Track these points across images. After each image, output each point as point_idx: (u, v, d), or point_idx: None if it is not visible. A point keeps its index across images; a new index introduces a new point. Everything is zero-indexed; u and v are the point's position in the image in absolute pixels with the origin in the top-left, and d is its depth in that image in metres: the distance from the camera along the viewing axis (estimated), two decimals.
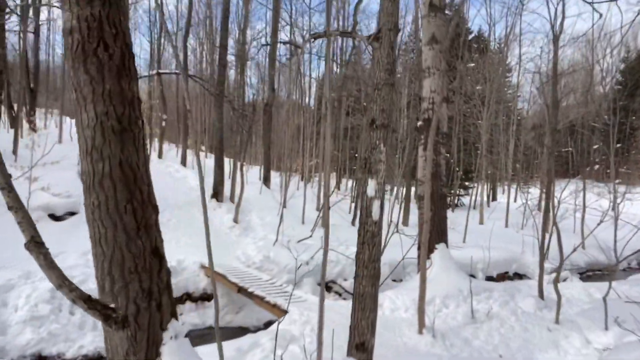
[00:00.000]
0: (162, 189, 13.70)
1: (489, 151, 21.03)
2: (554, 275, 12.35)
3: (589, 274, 13.15)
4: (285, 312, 6.72)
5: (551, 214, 11.64)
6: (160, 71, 14.58)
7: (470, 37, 34.19)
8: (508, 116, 33.19)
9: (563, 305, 7.27)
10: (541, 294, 7.14)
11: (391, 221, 10.12)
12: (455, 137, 20.78)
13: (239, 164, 13.48)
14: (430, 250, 7.49)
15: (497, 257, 11.76)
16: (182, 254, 9.59)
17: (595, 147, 44.09)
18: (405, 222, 15.73)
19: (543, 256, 7.13)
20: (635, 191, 14.89)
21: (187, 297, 8.86)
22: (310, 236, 11.38)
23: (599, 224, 12.21)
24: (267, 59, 17.07)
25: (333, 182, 23.31)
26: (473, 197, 21.25)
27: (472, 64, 27.00)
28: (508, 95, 32.59)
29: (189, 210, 12.59)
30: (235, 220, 12.45)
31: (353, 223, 14.68)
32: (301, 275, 9.90)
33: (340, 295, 10.23)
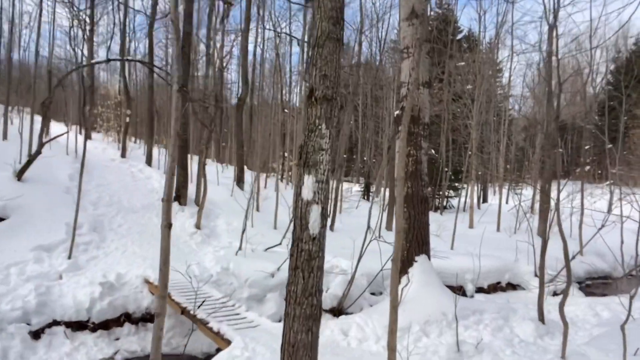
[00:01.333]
0: (117, 190, 12.36)
1: (480, 150, 19.90)
2: (552, 287, 11.23)
3: (588, 282, 12.01)
4: (229, 342, 5.44)
5: (554, 215, 10.49)
6: (111, 58, 13.22)
7: (459, 36, 33.31)
8: (499, 115, 32.29)
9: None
10: (541, 317, 5.92)
11: (369, 227, 8.86)
12: (443, 135, 19.64)
13: (204, 164, 12.16)
14: (409, 263, 6.25)
15: (489, 266, 10.56)
16: (125, 266, 8.26)
17: (587, 147, 43.44)
18: (390, 227, 14.52)
19: (543, 273, 5.90)
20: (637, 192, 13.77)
21: (126, 318, 7.52)
22: (280, 243, 10.08)
23: (600, 229, 11.11)
24: (240, 49, 15.77)
25: None
26: (463, 199, 20.12)
27: (462, 63, 26.06)
28: (499, 96, 31.73)
29: (145, 214, 11.26)
30: (198, 226, 11.13)
31: (331, 228, 13.43)
32: (264, 290, 8.62)
33: None
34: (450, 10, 29.14)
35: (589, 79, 24.54)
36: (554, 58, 13.00)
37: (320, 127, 2.80)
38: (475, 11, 46.20)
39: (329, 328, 5.77)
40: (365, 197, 22.42)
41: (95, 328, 7.26)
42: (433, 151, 22.40)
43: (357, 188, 24.24)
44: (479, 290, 10.43)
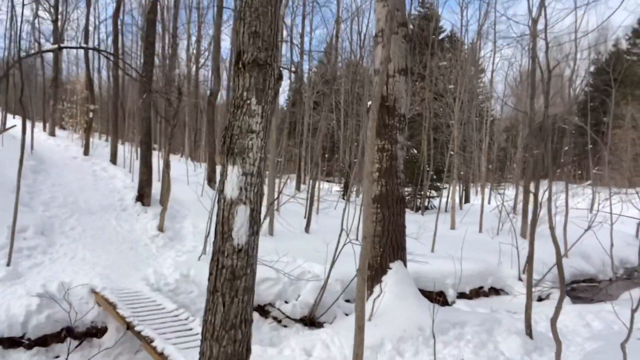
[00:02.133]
0: (74, 190, 11.44)
1: (462, 149, 19.43)
2: (536, 292, 10.70)
3: (574, 285, 11.54)
4: None
5: (538, 216, 9.95)
6: (62, 45, 12.29)
7: (441, 36, 32.98)
8: (481, 115, 32.05)
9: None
10: (529, 330, 5.30)
11: (342, 228, 8.18)
12: (425, 132, 19.11)
13: (180, 161, 11.32)
14: (382, 271, 5.58)
15: (471, 269, 9.99)
16: (71, 274, 7.42)
17: (566, 148, 43.69)
18: None
19: (531, 283, 5.29)
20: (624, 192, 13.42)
21: (68, 333, 6.68)
22: None
23: (587, 229, 10.64)
24: (212, 43, 14.95)
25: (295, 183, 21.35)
26: (444, 199, 19.60)
27: (444, 62, 25.74)
28: (481, 96, 31.52)
29: (103, 216, 10.39)
30: (160, 228, 10.30)
31: (307, 230, 12.72)
32: None
33: (279, 322, 8.21)
34: (433, 9, 28.74)
35: (576, 71, 24.30)
36: (543, 42, 12.48)
37: (249, 101, 2.09)
38: (457, 4, 45.91)
39: (289, 347, 5.07)
40: (345, 197, 21.80)
41: (31, 345, 6.41)
42: (415, 150, 21.91)
43: (337, 188, 23.59)
44: (461, 295, 9.85)
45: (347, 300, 8.78)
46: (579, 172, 42.67)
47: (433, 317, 4.64)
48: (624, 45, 42.64)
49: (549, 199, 4.64)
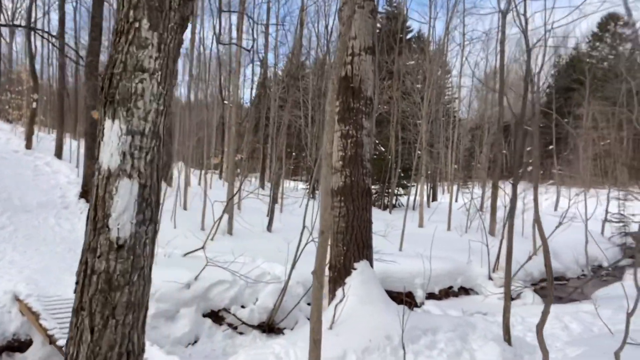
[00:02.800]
0: (9, 186, 10.32)
1: (430, 144, 19.15)
2: (503, 289, 10.35)
3: (543, 284, 11.28)
4: None
5: (508, 213, 9.62)
6: None
7: (409, 35, 32.91)
8: (448, 115, 32.13)
9: (535, 347, 4.99)
10: (507, 336, 4.79)
11: (304, 226, 7.53)
12: (393, 129, 18.71)
13: None
14: (346, 272, 4.94)
15: (440, 269, 9.53)
16: None
17: (529, 149, 44.49)
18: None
19: (509, 284, 4.78)
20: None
21: None
22: (203, 247, 8.50)
23: (558, 226, 10.38)
24: None
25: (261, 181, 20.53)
26: (412, 197, 19.26)
27: (412, 62, 25.63)
28: (447, 97, 31.69)
29: (40, 214, 9.36)
30: None
31: (269, 228, 12.01)
32: (177, 305, 7.07)
33: (235, 328, 7.47)
34: (400, 8, 28.55)
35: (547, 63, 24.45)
36: (511, 39, 12.20)
37: (137, 24, 1.39)
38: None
39: None
40: (312, 195, 21.18)
41: None
42: (382, 148, 21.51)
43: (302, 186, 22.94)
44: (430, 296, 9.38)
45: (310, 304, 8.15)
46: (542, 172, 43.59)
47: (403, 324, 4.04)
48: (584, 48, 43.90)
49: (535, 198, 4.12)
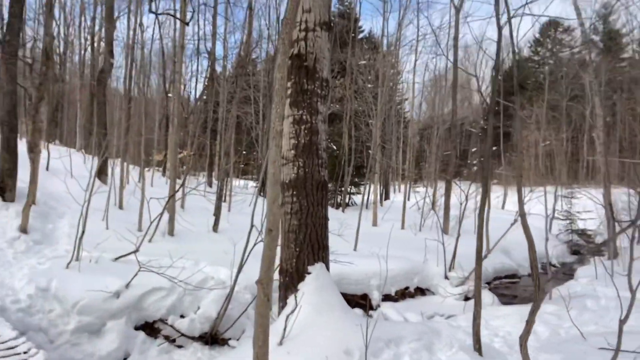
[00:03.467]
0: None
1: (383, 141, 18.91)
2: (459, 288, 10.10)
3: (496, 282, 11.21)
4: None
5: (463, 211, 9.37)
6: None
7: (360, 35, 32.82)
8: (399, 114, 32.35)
9: (506, 355, 4.58)
10: (478, 346, 4.33)
11: (253, 225, 6.81)
12: (346, 125, 18.29)
13: (44, 147, 9.15)
14: (299, 277, 4.30)
15: (397, 269, 9.11)
16: None
17: (474, 150, 46.05)
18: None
19: (479, 286, 4.32)
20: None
21: None
22: (137, 250, 7.55)
23: (513, 224, 10.25)
24: (105, 12, 12.74)
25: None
26: (365, 196, 18.94)
27: (364, 62, 25.53)
28: (397, 98, 31.95)
29: None
30: (24, 229, 8.20)
31: (215, 229, 11.15)
32: (102, 318, 6.14)
33: (173, 341, 6.63)
34: (352, 7, 28.35)
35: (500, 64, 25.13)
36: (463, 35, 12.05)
37: None
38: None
39: None
40: (262, 194, 20.40)
41: None
42: (334, 146, 21.07)
43: (253, 184, 22.08)
44: (386, 298, 8.92)
45: None
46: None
47: (366, 339, 3.45)
48: (526, 53, 45.85)
49: (518, 187, 3.66)
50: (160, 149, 19.96)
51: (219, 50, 33.06)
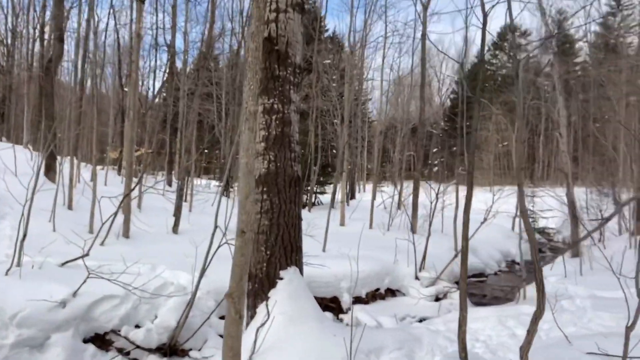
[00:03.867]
0: None
1: (349, 139, 18.70)
2: (430, 288, 9.92)
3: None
4: None
5: (434, 210, 9.16)
6: None
7: (324, 35, 32.62)
8: (364, 114, 32.36)
9: None
10: (464, 354, 4.02)
11: (217, 226, 6.29)
12: (312, 124, 17.92)
13: None
14: (270, 283, 3.86)
15: (368, 270, 8.80)
16: None
17: (434, 150, 46.94)
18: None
19: (465, 290, 4.02)
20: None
21: None
22: (87, 254, 6.86)
23: (483, 222, 10.18)
24: None
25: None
26: (331, 196, 18.65)
27: (328, 60, 25.43)
28: (361, 98, 32.02)
29: None
30: None
31: (175, 230, 10.49)
32: (46, 330, 5.47)
33: (127, 354, 6.01)
34: (316, 7, 28.08)
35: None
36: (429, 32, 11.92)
37: None
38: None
39: None
40: (226, 194, 19.72)
41: None
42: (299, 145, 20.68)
43: (216, 183, 21.33)
44: (357, 300, 8.58)
45: (223, 317, 6.88)
46: (446, 172, 45.93)
47: (351, 354, 3.07)
48: (486, 56, 47.09)
49: (520, 188, 3.36)
50: (115, 146, 18.90)
51: (179, 43, 31.97)
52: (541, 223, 17.04)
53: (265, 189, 4.06)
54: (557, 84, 11.01)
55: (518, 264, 13.82)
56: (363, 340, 4.05)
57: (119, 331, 6.04)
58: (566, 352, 4.05)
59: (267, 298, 3.80)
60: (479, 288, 10.79)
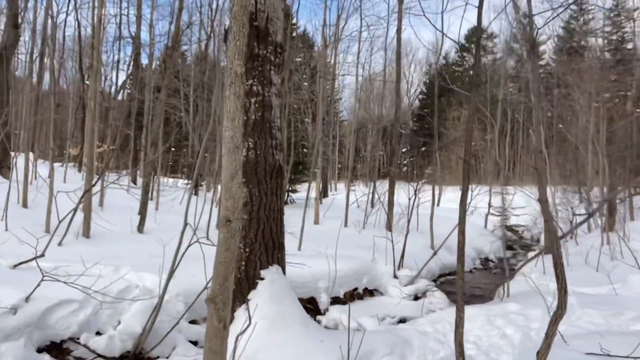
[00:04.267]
0: None
1: (323, 135, 18.41)
2: (410, 287, 9.71)
3: (442, 279, 11.01)
4: None
5: (412, 209, 8.94)
6: None
7: (294, 34, 32.28)
8: (335, 114, 32.23)
9: None
10: (462, 358, 3.74)
11: (187, 223, 5.81)
12: (284, 119, 17.47)
13: None
14: (250, 284, 3.46)
15: (346, 269, 8.47)
16: None
17: (404, 150, 47.34)
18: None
19: (462, 288, 3.75)
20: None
21: None
22: (42, 255, 6.23)
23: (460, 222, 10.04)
24: None
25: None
26: (304, 194, 18.29)
27: (299, 59, 25.20)
28: (335, 97, 31.91)
29: None
30: None
31: (140, 229, 9.89)
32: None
33: None
34: (287, 5, 27.77)
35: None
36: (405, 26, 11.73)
37: None
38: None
39: None
40: (196, 193, 19.04)
41: None
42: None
43: (184, 181, 20.59)
44: (335, 300, 8.24)
45: (194, 322, 6.40)
46: (414, 171, 46.39)
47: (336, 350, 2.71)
48: (452, 58, 47.91)
49: (541, 184, 3.10)
50: (75, 142, 17.90)
51: (145, 35, 30.81)
52: (512, 221, 17.22)
53: (244, 179, 3.66)
54: (532, 81, 10.99)
55: (492, 261, 13.86)
56: (352, 345, 3.70)
57: (78, 339, 5.46)
58: (563, 353, 3.83)
59: (247, 300, 3.40)
60: (452, 285, 10.66)
